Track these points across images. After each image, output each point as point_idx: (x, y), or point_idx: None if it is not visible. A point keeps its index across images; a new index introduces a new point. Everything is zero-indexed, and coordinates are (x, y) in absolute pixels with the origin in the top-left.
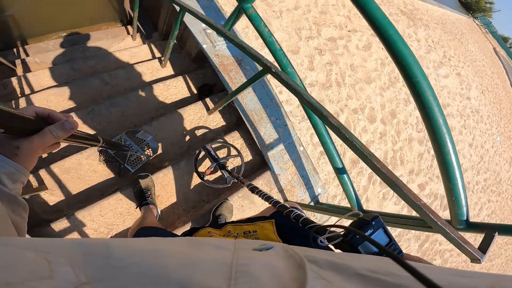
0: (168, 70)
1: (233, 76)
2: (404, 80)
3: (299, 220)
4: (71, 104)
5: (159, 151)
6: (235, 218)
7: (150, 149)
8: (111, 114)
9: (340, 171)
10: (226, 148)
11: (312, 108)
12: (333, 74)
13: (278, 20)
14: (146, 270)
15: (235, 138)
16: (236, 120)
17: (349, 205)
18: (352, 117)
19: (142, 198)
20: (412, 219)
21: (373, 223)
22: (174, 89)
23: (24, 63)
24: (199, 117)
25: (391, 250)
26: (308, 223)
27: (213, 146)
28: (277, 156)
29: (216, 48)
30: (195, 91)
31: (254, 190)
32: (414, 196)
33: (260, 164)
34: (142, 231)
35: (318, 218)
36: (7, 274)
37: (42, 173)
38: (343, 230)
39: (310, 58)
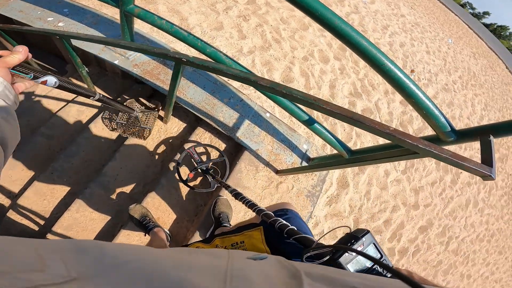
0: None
1: (164, 78)
2: (316, 21)
3: (283, 230)
4: (29, 175)
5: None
6: (235, 209)
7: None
8: (73, 165)
9: (309, 122)
10: (212, 151)
11: (239, 79)
12: (267, 33)
13: (186, 4)
14: (139, 269)
15: (201, 135)
16: (194, 117)
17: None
18: (305, 65)
19: (144, 226)
20: (395, 148)
21: (363, 239)
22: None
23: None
24: (158, 130)
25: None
26: (293, 234)
27: (197, 149)
28: (247, 133)
29: (130, 59)
30: (147, 103)
31: (237, 196)
32: (380, 125)
33: (235, 148)
34: None
35: (317, 175)
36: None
37: (50, 237)
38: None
39: (237, 27)
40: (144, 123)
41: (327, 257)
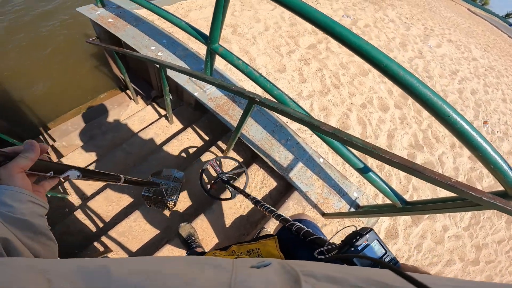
0: (177, 124)
1: (232, 114)
2: (376, 70)
3: (300, 233)
4: (104, 182)
5: (186, 198)
6: None
7: (178, 178)
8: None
9: (363, 171)
10: (233, 164)
11: (303, 123)
12: (327, 78)
13: (255, 46)
14: (146, 284)
15: (255, 170)
16: (251, 154)
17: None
18: (362, 112)
19: (188, 245)
20: (456, 200)
21: (367, 236)
22: (187, 142)
23: (54, 148)
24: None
25: (388, 262)
26: (308, 236)
27: (218, 161)
28: (299, 175)
29: (207, 93)
30: (207, 138)
31: (257, 203)
32: (441, 176)
33: (286, 187)
34: None
35: (365, 222)
36: None
37: (104, 239)
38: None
39: (298, 71)
40: (169, 195)
41: (336, 251)
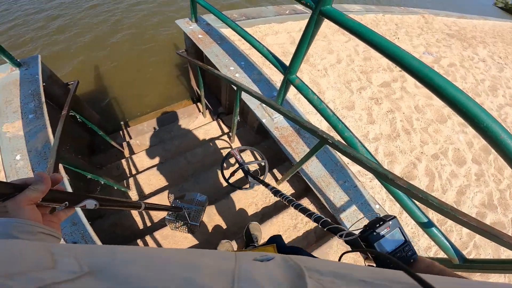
0: (237, 144)
1: (295, 147)
2: (472, 128)
3: (319, 221)
4: (165, 183)
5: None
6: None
7: (201, 202)
8: (195, 189)
9: (426, 225)
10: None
11: (376, 173)
12: (398, 121)
13: (325, 78)
14: (150, 266)
15: (306, 204)
16: (304, 187)
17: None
18: (433, 164)
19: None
20: None
21: (390, 222)
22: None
23: (129, 145)
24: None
25: (406, 251)
26: (327, 224)
27: (240, 151)
28: (351, 217)
29: (274, 121)
30: (262, 163)
31: (277, 193)
32: None
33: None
34: None
35: None
36: (9, 266)
37: (148, 238)
38: (361, 229)
39: (367, 110)
40: (192, 219)
41: (358, 235)
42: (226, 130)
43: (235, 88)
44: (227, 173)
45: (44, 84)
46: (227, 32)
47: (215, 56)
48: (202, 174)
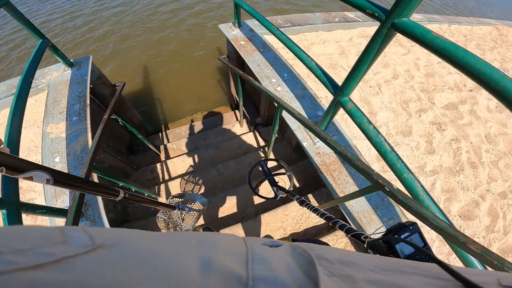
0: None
1: (337, 177)
2: None
3: (343, 228)
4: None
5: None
6: None
7: (200, 205)
8: (223, 206)
9: None
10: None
11: (444, 234)
12: (463, 152)
13: (378, 96)
14: (167, 243)
15: (338, 236)
16: (341, 217)
17: None
18: (499, 203)
19: None
20: None
21: (411, 227)
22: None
23: (165, 149)
24: (301, 214)
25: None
26: (351, 231)
27: (267, 162)
28: None
29: (316, 146)
30: (297, 184)
31: (302, 203)
32: None
33: None
34: None
35: None
36: (17, 242)
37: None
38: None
39: (427, 137)
40: (185, 222)
41: (380, 238)
42: (262, 142)
43: (276, 104)
44: (254, 183)
45: (91, 86)
46: (271, 39)
47: (257, 65)
48: (232, 190)
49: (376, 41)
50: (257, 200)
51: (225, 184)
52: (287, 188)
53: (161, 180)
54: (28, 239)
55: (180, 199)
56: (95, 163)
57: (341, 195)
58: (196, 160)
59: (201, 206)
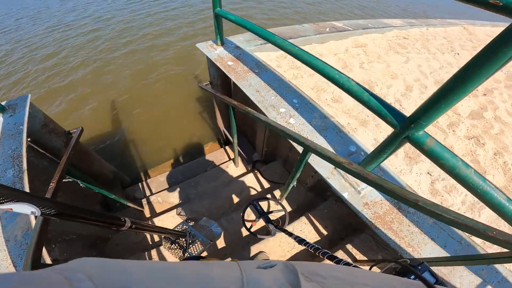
0: (286, 208)
1: (397, 229)
2: None
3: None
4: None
5: None
6: None
7: (213, 235)
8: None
9: None
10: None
11: None
12: (511, 166)
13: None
14: (164, 283)
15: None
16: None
17: None
18: None
19: None
20: None
21: (419, 267)
22: (301, 233)
23: (149, 203)
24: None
25: None
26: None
27: (260, 201)
28: None
29: (361, 194)
30: (325, 232)
31: (301, 242)
32: None
33: None
34: None
35: None
36: None
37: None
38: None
39: (472, 155)
40: (191, 248)
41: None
42: (265, 183)
43: (299, 148)
44: (248, 224)
45: (34, 137)
46: (264, 56)
47: (256, 91)
48: (241, 253)
49: (390, 147)
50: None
51: (231, 243)
52: (281, 224)
53: (150, 243)
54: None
55: (196, 224)
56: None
57: (409, 249)
58: (191, 214)
59: (213, 236)
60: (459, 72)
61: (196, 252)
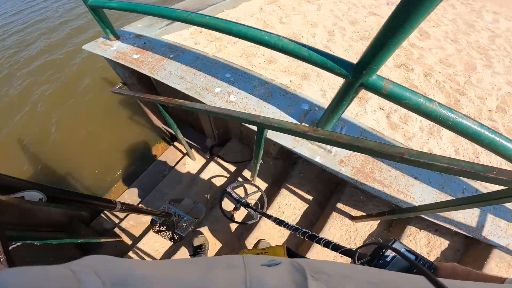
0: (262, 185)
1: (380, 177)
2: None
3: (329, 245)
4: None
5: None
6: None
7: (196, 213)
8: None
9: None
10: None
11: None
12: (442, 83)
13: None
14: (166, 284)
15: (414, 234)
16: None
17: None
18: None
19: (196, 252)
20: None
21: (394, 246)
22: (287, 207)
23: (123, 229)
24: (347, 229)
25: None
26: (338, 248)
27: (234, 188)
28: (493, 229)
29: (333, 153)
30: (309, 197)
31: (281, 223)
32: None
33: (464, 244)
34: None
35: None
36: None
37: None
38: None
39: (408, 82)
40: (179, 228)
41: (367, 258)
42: (231, 167)
43: (253, 127)
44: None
45: None
46: (174, 38)
47: (179, 79)
48: (240, 247)
49: (346, 97)
50: None
51: (226, 242)
52: (261, 207)
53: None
54: (44, 284)
55: (177, 205)
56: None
57: (401, 196)
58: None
59: (197, 213)
60: (399, 8)
61: (184, 232)
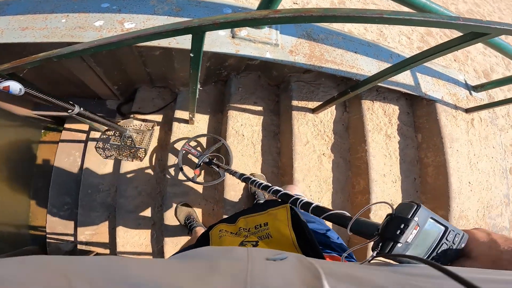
0: (202, 127)
1: (331, 58)
2: None
3: (308, 209)
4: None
5: None
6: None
7: (147, 125)
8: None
9: None
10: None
11: None
12: None
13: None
14: (162, 276)
15: (366, 109)
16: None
17: None
18: None
19: (188, 227)
20: None
21: (416, 218)
22: (248, 129)
23: (86, 243)
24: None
25: (450, 239)
26: (321, 213)
27: (191, 144)
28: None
29: (279, 44)
30: (261, 108)
31: (247, 180)
32: None
33: (408, 105)
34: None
35: None
36: None
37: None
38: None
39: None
40: (139, 143)
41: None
42: (156, 117)
43: (183, 42)
44: (190, 173)
45: None
46: None
47: (20, 30)
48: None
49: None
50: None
51: (209, 213)
52: (226, 162)
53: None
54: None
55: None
56: None
57: (354, 70)
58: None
59: (150, 125)
60: None
61: (144, 145)
